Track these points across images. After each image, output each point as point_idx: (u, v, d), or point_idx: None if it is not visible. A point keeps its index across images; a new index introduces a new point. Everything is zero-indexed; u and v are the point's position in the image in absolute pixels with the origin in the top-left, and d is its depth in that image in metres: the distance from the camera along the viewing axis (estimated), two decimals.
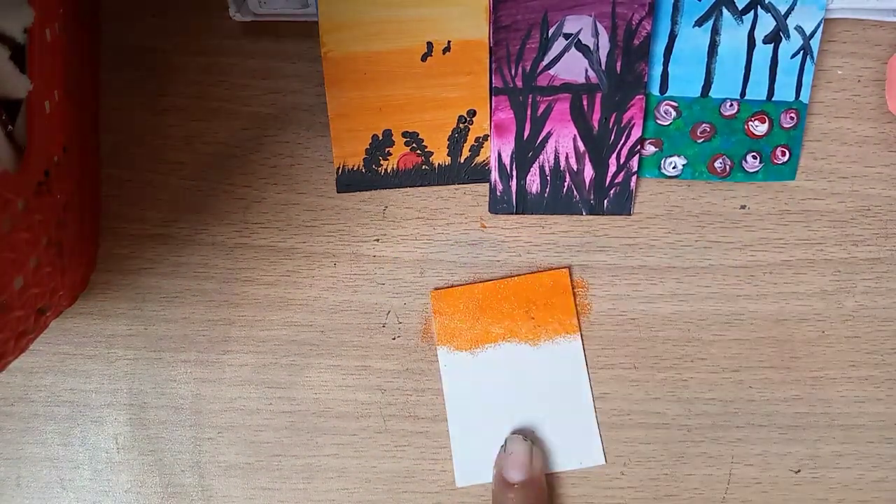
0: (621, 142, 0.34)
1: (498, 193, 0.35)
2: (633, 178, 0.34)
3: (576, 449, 0.35)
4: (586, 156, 0.34)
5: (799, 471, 0.35)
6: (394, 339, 0.36)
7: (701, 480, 0.36)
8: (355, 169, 0.35)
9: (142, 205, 0.35)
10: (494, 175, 0.35)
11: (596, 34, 0.33)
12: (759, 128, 0.34)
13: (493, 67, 0.33)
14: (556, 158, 0.34)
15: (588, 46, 0.33)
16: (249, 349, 0.36)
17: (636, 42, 0.33)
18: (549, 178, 0.34)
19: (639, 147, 0.34)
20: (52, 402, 0.36)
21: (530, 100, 0.34)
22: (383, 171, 0.35)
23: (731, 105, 0.34)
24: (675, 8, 0.33)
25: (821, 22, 0.33)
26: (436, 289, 0.35)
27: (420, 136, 0.34)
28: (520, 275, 0.35)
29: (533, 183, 0.35)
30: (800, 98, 0.34)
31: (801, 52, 0.33)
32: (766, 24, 0.33)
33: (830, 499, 0.35)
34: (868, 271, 0.35)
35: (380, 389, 0.36)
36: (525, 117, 0.34)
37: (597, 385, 0.35)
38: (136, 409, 0.36)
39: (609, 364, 0.35)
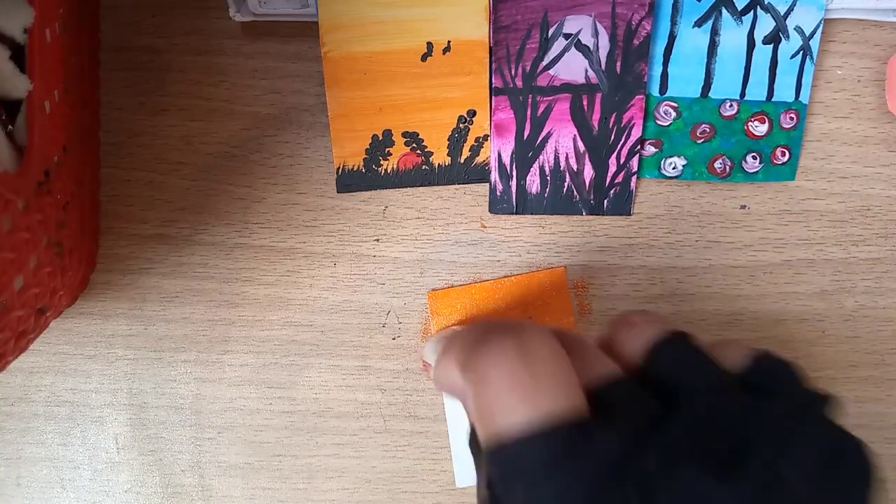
0: (621, 142, 0.34)
1: (498, 193, 0.35)
2: (633, 179, 0.34)
3: None
4: (586, 156, 0.34)
5: None
6: (394, 339, 0.36)
7: None
8: (355, 169, 0.35)
9: (142, 205, 0.35)
10: (494, 175, 0.35)
11: (596, 34, 0.33)
12: (759, 128, 0.34)
13: (493, 67, 0.33)
14: (556, 158, 0.34)
15: (588, 46, 0.33)
16: (249, 349, 0.36)
17: (636, 42, 0.33)
18: (549, 178, 0.34)
19: (639, 147, 0.34)
20: (52, 402, 0.36)
21: (530, 100, 0.34)
22: (383, 171, 0.35)
23: (731, 105, 0.34)
24: (675, 8, 0.33)
25: (820, 22, 0.33)
26: (433, 289, 0.35)
27: (420, 136, 0.34)
28: (517, 274, 0.35)
29: (533, 183, 0.35)
30: (799, 98, 0.34)
31: (801, 52, 0.33)
32: (766, 24, 0.33)
33: None
34: (868, 271, 0.35)
35: (380, 389, 0.36)
36: (525, 117, 0.34)
37: None
38: (136, 409, 0.36)
39: None
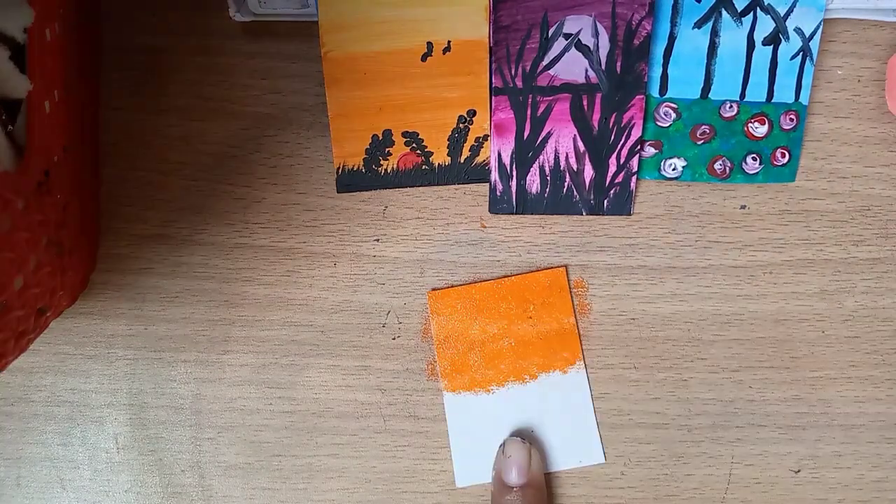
0: (621, 142, 0.34)
1: (498, 193, 0.35)
2: (633, 179, 0.34)
3: (575, 448, 0.35)
4: (586, 156, 0.34)
5: (799, 471, 0.35)
6: (394, 339, 0.36)
7: (701, 480, 0.36)
8: (355, 169, 0.35)
9: (142, 205, 0.35)
10: (494, 175, 0.35)
11: (596, 34, 0.33)
12: (759, 129, 0.34)
13: (493, 67, 0.33)
14: (556, 158, 0.34)
15: (588, 46, 0.33)
16: (249, 349, 0.36)
17: (636, 42, 0.33)
18: (549, 178, 0.34)
19: (639, 147, 0.34)
20: (52, 402, 0.36)
21: (530, 100, 0.34)
22: (383, 171, 0.35)
23: (731, 107, 0.34)
24: (675, 10, 0.33)
25: (820, 23, 0.33)
26: (433, 289, 0.35)
27: (420, 136, 0.34)
28: (517, 274, 0.35)
29: (533, 183, 0.35)
30: (799, 100, 0.34)
31: (801, 53, 0.33)
32: (766, 25, 0.33)
33: (830, 499, 0.35)
34: (868, 271, 0.35)
35: (380, 389, 0.36)
36: (525, 117, 0.34)
37: (597, 385, 0.35)
38: (136, 409, 0.36)
39: (609, 364, 0.35)
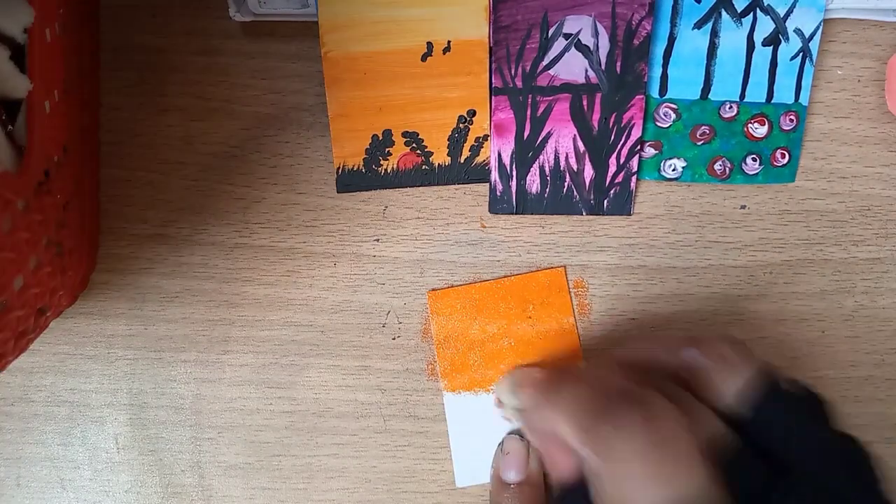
0: (621, 142, 0.34)
1: (498, 193, 0.35)
2: (633, 179, 0.34)
3: None
4: (586, 156, 0.34)
5: None
6: (394, 339, 0.36)
7: None
8: (355, 169, 0.35)
9: (142, 205, 0.35)
10: (494, 175, 0.35)
11: (596, 34, 0.33)
12: (759, 130, 0.34)
13: (493, 67, 0.33)
14: (556, 158, 0.34)
15: (588, 46, 0.33)
16: (249, 349, 0.36)
17: (636, 42, 0.33)
18: (549, 178, 0.34)
19: (639, 147, 0.34)
20: (52, 402, 0.36)
21: (530, 100, 0.34)
22: (383, 171, 0.35)
23: (731, 107, 0.34)
24: (675, 10, 0.33)
25: (820, 24, 0.33)
26: (433, 289, 0.35)
27: (420, 136, 0.34)
28: (517, 274, 0.35)
29: (533, 183, 0.35)
30: (799, 100, 0.34)
31: (801, 54, 0.33)
32: (766, 26, 0.33)
33: None
34: (868, 271, 0.35)
35: (380, 389, 0.36)
36: (525, 117, 0.34)
37: None
38: (136, 409, 0.36)
39: None
